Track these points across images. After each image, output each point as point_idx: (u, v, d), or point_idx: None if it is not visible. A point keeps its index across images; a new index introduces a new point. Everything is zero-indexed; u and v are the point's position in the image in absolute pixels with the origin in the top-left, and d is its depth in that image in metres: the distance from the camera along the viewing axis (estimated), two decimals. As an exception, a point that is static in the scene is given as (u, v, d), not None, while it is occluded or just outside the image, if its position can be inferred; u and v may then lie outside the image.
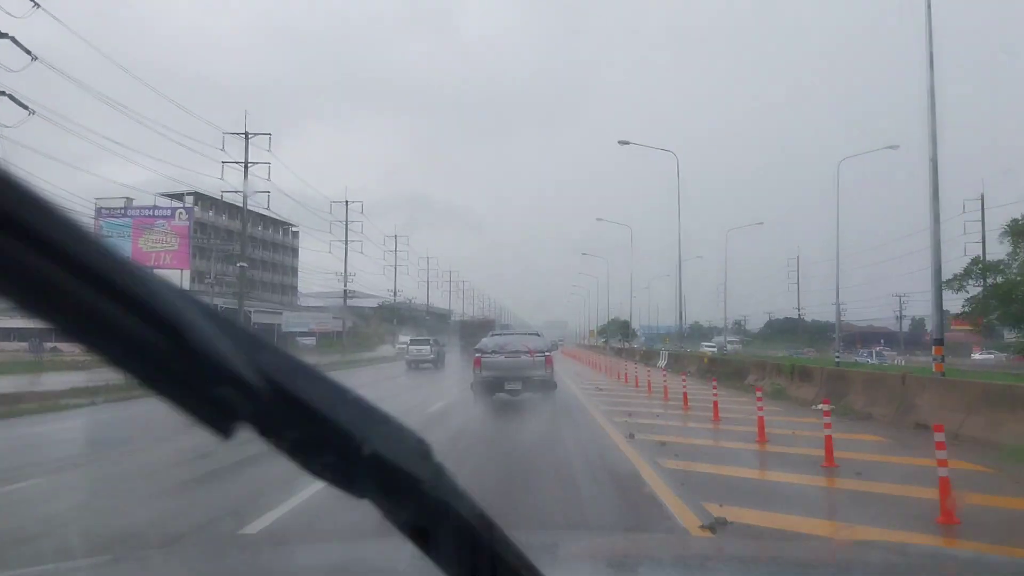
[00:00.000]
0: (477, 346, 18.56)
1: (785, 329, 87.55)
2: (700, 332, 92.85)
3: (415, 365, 35.73)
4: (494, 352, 17.47)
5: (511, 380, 16.89)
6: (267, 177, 43.90)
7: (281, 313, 61.71)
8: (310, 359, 0.67)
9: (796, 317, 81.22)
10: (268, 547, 3.94)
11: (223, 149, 40.66)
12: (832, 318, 48.63)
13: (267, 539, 5.43)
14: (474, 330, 46.33)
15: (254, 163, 42.30)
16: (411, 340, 39.19)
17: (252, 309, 49.09)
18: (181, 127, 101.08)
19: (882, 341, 76.91)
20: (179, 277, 49.50)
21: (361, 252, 59.75)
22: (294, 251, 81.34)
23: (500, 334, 21.46)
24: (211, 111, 77.31)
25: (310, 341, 54.39)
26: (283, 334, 51.83)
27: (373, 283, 68.77)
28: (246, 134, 42.46)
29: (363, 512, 0.64)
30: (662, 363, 39.68)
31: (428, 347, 37.10)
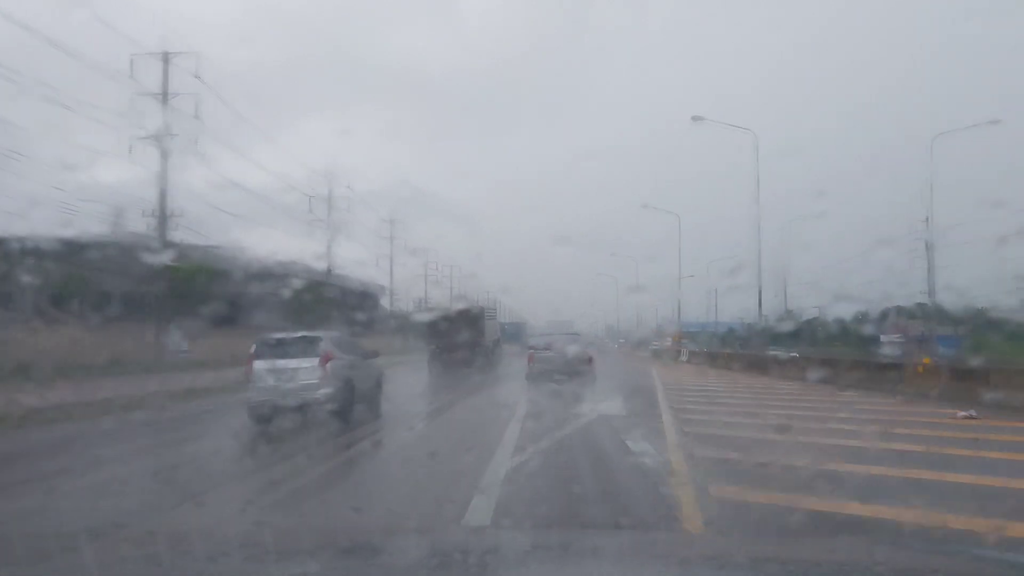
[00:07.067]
0: (530, 344, 25.15)
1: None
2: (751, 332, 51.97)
3: (268, 418, 12.43)
4: (544, 349, 23.01)
5: (559, 372, 21.60)
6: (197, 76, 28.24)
7: None
8: None
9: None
10: (264, 550, 3.81)
11: (131, 76, 27.63)
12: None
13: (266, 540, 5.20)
14: (457, 328, 28.16)
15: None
16: (257, 345, 13.18)
17: None
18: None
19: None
20: None
21: (348, 235, 51.77)
22: None
23: (546, 334, 27.34)
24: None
25: None
26: None
27: (365, 276, 64.28)
28: (165, 55, 28.75)
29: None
30: (683, 358, 37.66)
31: (314, 363, 12.77)
